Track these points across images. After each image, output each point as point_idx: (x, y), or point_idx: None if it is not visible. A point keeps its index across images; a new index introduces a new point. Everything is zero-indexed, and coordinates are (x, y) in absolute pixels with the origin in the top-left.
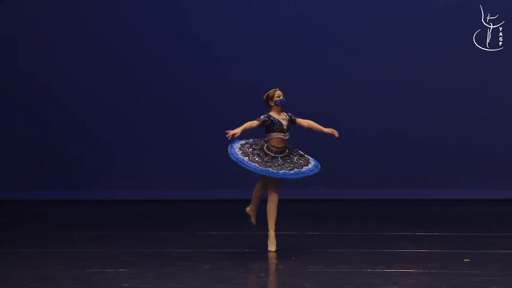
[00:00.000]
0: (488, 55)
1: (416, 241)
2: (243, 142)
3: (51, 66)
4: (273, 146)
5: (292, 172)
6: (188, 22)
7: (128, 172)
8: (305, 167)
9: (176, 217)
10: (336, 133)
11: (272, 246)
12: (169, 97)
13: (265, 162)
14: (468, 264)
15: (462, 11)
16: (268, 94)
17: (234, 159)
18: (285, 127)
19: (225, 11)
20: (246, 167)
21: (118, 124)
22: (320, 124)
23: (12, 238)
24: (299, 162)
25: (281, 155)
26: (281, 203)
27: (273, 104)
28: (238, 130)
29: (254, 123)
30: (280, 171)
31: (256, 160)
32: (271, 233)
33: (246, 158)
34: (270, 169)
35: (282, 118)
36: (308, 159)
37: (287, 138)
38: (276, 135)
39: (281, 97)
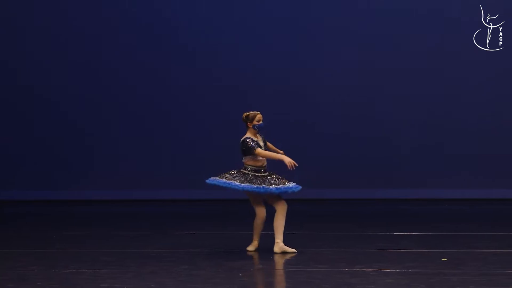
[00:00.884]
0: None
1: (394, 241)
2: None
3: (33, 66)
4: (250, 166)
5: (255, 186)
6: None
7: (105, 173)
8: (277, 186)
9: (154, 217)
10: (289, 165)
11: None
12: (147, 96)
13: (243, 181)
14: (445, 263)
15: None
16: (248, 115)
17: (211, 182)
18: (263, 148)
19: (207, 11)
20: (218, 184)
21: (98, 124)
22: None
23: None
24: (274, 182)
25: (261, 174)
26: None
27: (251, 126)
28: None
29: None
30: (245, 184)
31: (232, 178)
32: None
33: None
34: (233, 182)
35: (259, 140)
36: (286, 182)
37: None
38: (254, 157)
39: (261, 121)
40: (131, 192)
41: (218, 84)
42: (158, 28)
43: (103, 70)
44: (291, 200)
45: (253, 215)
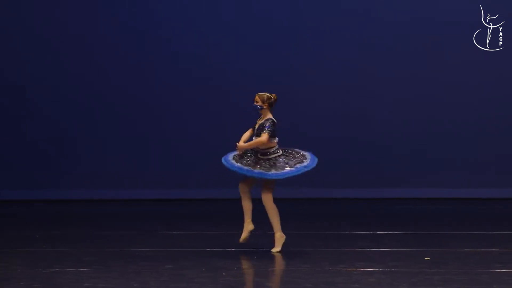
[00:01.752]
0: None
1: (377, 240)
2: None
3: (18, 65)
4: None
5: (256, 171)
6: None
7: (89, 172)
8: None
9: (138, 217)
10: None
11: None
12: (133, 95)
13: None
14: (428, 262)
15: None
16: (271, 96)
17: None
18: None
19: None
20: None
21: (83, 123)
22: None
23: None
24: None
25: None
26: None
27: (265, 107)
28: None
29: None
30: (245, 167)
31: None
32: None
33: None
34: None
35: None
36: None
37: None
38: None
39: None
40: (116, 192)
41: (207, 84)
42: (142, 26)
43: (91, 71)
44: (274, 198)
45: (239, 214)
